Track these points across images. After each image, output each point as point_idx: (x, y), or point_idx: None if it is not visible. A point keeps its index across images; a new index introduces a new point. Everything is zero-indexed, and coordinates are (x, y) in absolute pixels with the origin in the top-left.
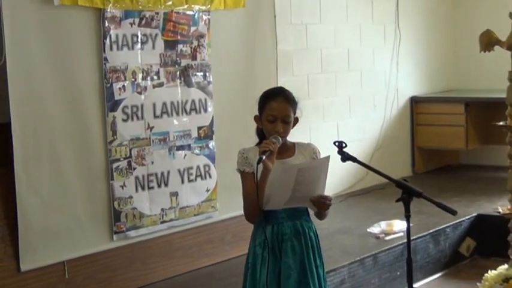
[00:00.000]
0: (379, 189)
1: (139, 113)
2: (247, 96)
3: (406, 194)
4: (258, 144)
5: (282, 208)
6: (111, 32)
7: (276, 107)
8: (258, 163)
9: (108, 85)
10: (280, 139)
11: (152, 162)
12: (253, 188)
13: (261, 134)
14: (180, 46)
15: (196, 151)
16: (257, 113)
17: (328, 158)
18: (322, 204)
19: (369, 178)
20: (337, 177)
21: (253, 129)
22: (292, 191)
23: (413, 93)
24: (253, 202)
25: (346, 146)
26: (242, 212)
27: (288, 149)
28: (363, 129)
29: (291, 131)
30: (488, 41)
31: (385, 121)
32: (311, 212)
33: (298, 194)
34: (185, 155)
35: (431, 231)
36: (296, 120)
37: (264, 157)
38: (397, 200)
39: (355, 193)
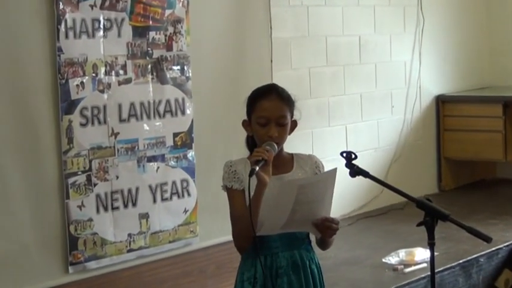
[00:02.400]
0: (397, 209)
1: (101, 116)
2: (235, 96)
3: (429, 217)
4: (250, 155)
5: (277, 233)
6: (67, 16)
7: (268, 107)
8: (251, 175)
9: (63, 81)
10: (276, 146)
11: (117, 177)
12: (244, 209)
13: (253, 144)
14: (151, 33)
15: (172, 163)
16: (245, 118)
17: (335, 171)
18: (327, 229)
19: (384, 196)
20: (345, 196)
21: (243, 136)
22: (291, 212)
23: (439, 91)
24: (245, 226)
25: (356, 157)
26: (227, 239)
27: (284, 162)
28: (377, 135)
29: (288, 138)
30: None
31: (405, 126)
32: (312, 239)
33: (298, 216)
34: (158, 167)
35: (461, 261)
36: (294, 124)
37: (257, 168)
38: (419, 224)
39: (368, 215)
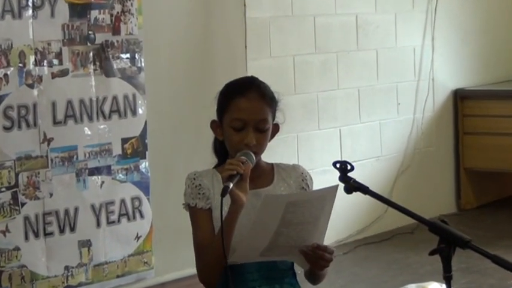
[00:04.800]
0: (405, 234)
1: (30, 117)
2: (200, 91)
3: (445, 243)
4: (219, 165)
5: (254, 262)
6: None
7: (246, 107)
8: (223, 195)
9: None
10: (254, 157)
11: (51, 195)
12: (211, 233)
13: (222, 151)
14: (94, 13)
15: (120, 176)
16: (215, 117)
17: (335, 188)
18: (318, 259)
19: (388, 218)
20: (339, 217)
21: (209, 142)
22: (274, 235)
23: (457, 84)
24: (212, 254)
25: (353, 168)
26: (190, 272)
27: (262, 174)
28: (379, 141)
29: (268, 144)
30: None
31: (415, 128)
32: (299, 271)
33: (283, 241)
34: (102, 182)
35: None
36: (276, 128)
37: (231, 185)
38: (432, 252)
39: (368, 241)
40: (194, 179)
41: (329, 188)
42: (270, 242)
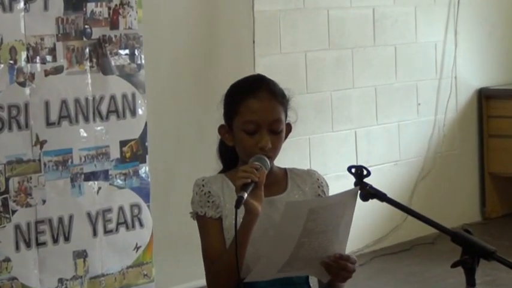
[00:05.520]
0: (425, 244)
1: (21, 118)
2: (205, 90)
3: (469, 254)
4: (224, 171)
5: (270, 279)
6: None
7: (259, 108)
8: (238, 206)
9: None
10: (268, 162)
11: (44, 201)
12: (222, 244)
13: (229, 155)
14: (90, 6)
15: (118, 182)
16: (222, 121)
17: (356, 191)
18: (341, 270)
19: (407, 227)
20: (355, 226)
21: (215, 145)
22: (295, 248)
23: (482, 83)
24: (223, 267)
25: (369, 173)
26: (194, 284)
27: (275, 180)
28: (398, 144)
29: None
30: None
31: (436, 130)
32: (313, 282)
33: (304, 253)
34: (99, 188)
35: None
36: (288, 128)
37: (245, 195)
38: (455, 264)
39: (386, 252)
40: (203, 185)
41: (349, 192)
42: (291, 256)
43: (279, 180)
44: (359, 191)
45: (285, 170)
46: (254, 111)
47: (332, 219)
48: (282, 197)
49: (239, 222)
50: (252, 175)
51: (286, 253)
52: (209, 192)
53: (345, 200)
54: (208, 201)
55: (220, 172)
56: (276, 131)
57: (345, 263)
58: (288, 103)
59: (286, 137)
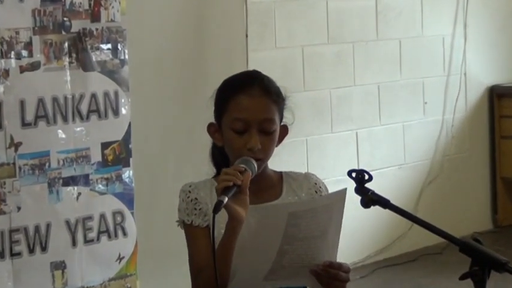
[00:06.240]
0: (432, 255)
1: None
2: (194, 88)
3: (479, 265)
4: (218, 175)
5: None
6: None
7: (248, 105)
8: (216, 210)
9: None
10: (255, 164)
11: (19, 208)
12: (209, 254)
13: (222, 159)
14: None
15: (100, 187)
16: (213, 120)
17: (344, 192)
18: (332, 280)
19: (413, 236)
20: (356, 236)
21: (206, 147)
22: (277, 255)
23: (493, 80)
24: (209, 278)
25: (371, 178)
26: None
27: (269, 185)
28: (403, 146)
29: (275, 149)
30: None
31: (444, 131)
32: None
33: (288, 261)
34: (79, 194)
35: None
36: (284, 130)
37: (226, 199)
38: (463, 276)
39: (389, 263)
40: (190, 191)
41: (336, 194)
42: (274, 263)
43: (273, 185)
44: (360, 198)
45: (280, 174)
46: (243, 108)
47: (318, 224)
48: (276, 203)
49: (222, 227)
50: (235, 178)
51: (268, 261)
52: (196, 199)
53: (331, 202)
54: (195, 209)
55: (214, 177)
56: (267, 131)
57: (336, 272)
58: (284, 103)
59: (281, 141)
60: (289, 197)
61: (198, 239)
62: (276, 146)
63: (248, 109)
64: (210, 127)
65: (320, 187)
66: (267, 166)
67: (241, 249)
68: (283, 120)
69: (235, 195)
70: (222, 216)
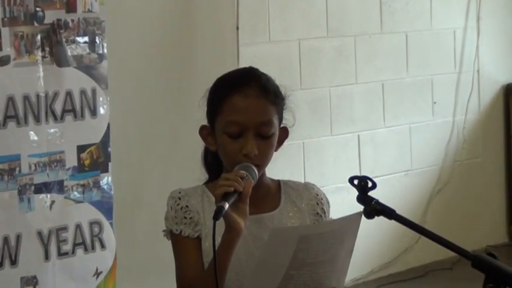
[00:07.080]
0: (442, 270)
1: None
2: (179, 85)
3: (493, 282)
4: (210, 181)
5: None
6: None
7: (243, 107)
8: (217, 217)
9: None
10: (256, 171)
11: None
12: (200, 268)
13: (215, 164)
14: None
15: (75, 195)
16: (205, 121)
17: (359, 216)
18: None
19: (421, 249)
20: (358, 249)
21: (196, 151)
22: (282, 280)
23: (509, 78)
24: None
25: (374, 185)
26: None
27: (266, 194)
28: (409, 150)
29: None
30: None
31: (455, 134)
32: None
33: (293, 286)
34: (52, 202)
35: None
36: (284, 133)
37: (226, 206)
38: None
39: (395, 278)
40: (179, 198)
41: (350, 217)
42: None
43: (271, 194)
44: (363, 207)
45: (278, 182)
46: (238, 110)
47: (328, 249)
48: (274, 215)
49: (218, 240)
50: (236, 184)
51: (272, 285)
52: (186, 206)
53: (345, 226)
54: (185, 218)
55: (205, 183)
56: (265, 135)
57: None
58: (283, 102)
59: (280, 144)
60: (288, 208)
61: (188, 251)
62: (276, 150)
63: (244, 111)
64: (202, 130)
65: (321, 199)
66: (264, 174)
67: (240, 263)
68: (283, 121)
69: (235, 203)
70: (218, 226)
